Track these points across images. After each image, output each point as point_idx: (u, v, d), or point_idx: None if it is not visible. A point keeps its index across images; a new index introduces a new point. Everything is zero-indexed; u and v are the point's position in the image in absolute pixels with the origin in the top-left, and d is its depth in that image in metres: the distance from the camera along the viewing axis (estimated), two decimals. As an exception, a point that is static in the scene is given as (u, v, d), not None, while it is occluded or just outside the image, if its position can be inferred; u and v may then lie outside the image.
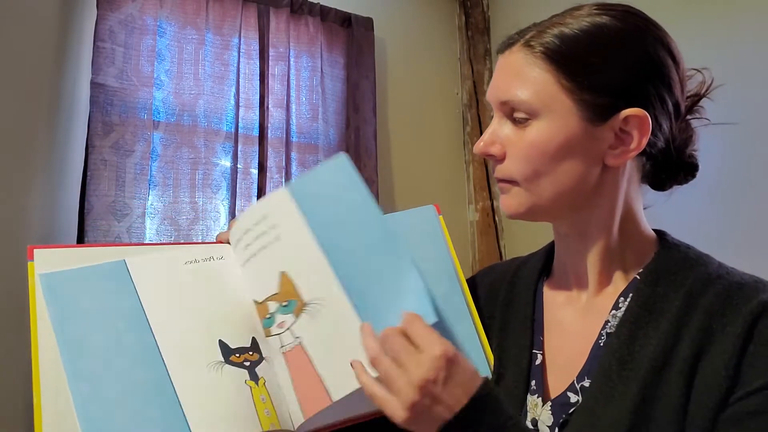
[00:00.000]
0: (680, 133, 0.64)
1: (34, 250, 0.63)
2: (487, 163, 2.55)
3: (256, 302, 0.65)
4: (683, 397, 0.53)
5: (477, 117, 2.57)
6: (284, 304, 0.63)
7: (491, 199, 2.52)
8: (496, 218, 2.52)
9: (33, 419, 0.55)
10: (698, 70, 0.65)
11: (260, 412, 0.59)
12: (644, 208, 0.67)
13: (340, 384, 0.58)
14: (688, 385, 0.54)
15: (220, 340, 0.62)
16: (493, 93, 0.63)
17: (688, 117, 0.65)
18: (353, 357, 0.58)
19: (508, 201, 0.64)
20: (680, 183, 0.67)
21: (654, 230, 0.67)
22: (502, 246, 2.50)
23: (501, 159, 0.63)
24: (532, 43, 0.61)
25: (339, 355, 0.59)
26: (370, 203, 0.64)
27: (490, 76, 2.59)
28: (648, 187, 0.68)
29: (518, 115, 0.61)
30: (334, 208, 0.65)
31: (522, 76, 0.60)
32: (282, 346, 0.62)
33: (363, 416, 0.64)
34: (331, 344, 0.60)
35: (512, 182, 0.63)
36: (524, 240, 2.41)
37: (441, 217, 0.74)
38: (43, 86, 1.67)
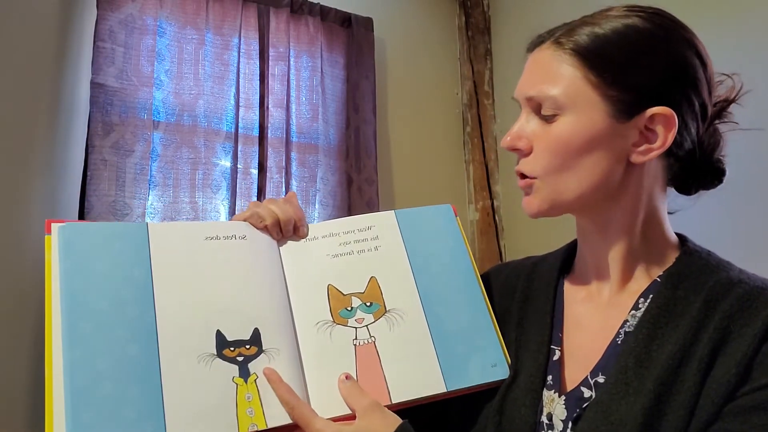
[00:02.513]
0: (708, 137, 0.65)
1: (52, 224, 0.62)
2: (487, 162, 2.55)
3: (337, 289, 0.69)
4: (696, 396, 0.54)
5: (477, 117, 2.57)
6: (368, 304, 0.69)
7: (491, 199, 2.52)
8: (496, 218, 2.52)
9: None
10: (728, 76, 0.66)
11: (241, 412, 0.59)
12: (670, 213, 0.68)
13: (402, 390, 0.64)
14: (702, 383, 0.54)
15: (217, 331, 0.62)
16: (521, 89, 0.65)
17: (717, 122, 0.66)
18: (419, 369, 0.66)
19: (531, 200, 0.65)
20: (706, 188, 0.67)
21: (676, 234, 0.68)
22: (502, 246, 2.50)
23: (527, 153, 0.64)
24: (562, 41, 0.62)
25: (406, 364, 0.66)
26: (464, 252, 0.74)
27: (491, 76, 2.60)
28: (674, 192, 0.68)
29: (545, 110, 0.62)
30: (431, 244, 0.74)
31: (550, 73, 0.62)
32: (355, 339, 0.67)
33: None
34: (401, 352, 0.66)
35: (534, 178, 0.64)
36: (524, 240, 2.41)
37: (458, 218, 0.77)
38: (43, 86, 1.67)
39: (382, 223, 0.74)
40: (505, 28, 2.59)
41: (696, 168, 0.65)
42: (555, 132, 0.61)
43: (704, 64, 0.62)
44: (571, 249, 0.75)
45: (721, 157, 0.66)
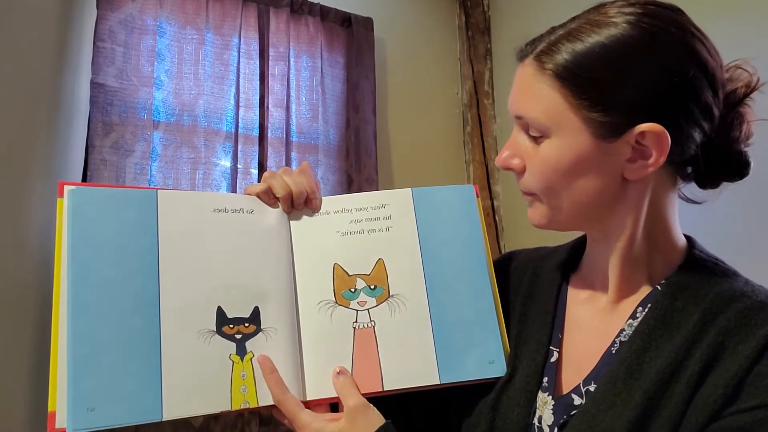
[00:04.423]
0: (724, 131, 0.60)
1: (65, 186, 0.62)
2: (487, 162, 2.55)
3: (342, 269, 0.69)
4: (682, 412, 0.53)
5: (477, 117, 2.57)
6: (372, 287, 0.68)
7: (491, 199, 2.52)
8: (496, 218, 2.52)
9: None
10: (740, 67, 0.62)
11: (235, 389, 0.61)
12: (697, 203, 0.65)
13: (396, 378, 0.64)
14: (690, 399, 0.53)
15: (219, 307, 0.63)
16: (510, 106, 0.64)
17: (734, 112, 0.61)
18: (415, 359, 0.65)
19: (532, 214, 0.65)
20: (729, 181, 0.63)
21: (685, 236, 0.65)
22: (502, 246, 2.50)
23: (521, 172, 0.63)
24: (543, 59, 0.59)
25: (403, 352, 0.66)
26: (480, 239, 0.71)
27: (491, 76, 2.60)
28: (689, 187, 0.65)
29: (532, 131, 0.61)
30: (446, 228, 0.71)
31: (532, 93, 0.60)
32: (356, 322, 0.67)
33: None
34: (399, 340, 0.66)
35: (534, 195, 0.63)
36: (524, 240, 2.41)
37: (478, 199, 0.74)
38: (43, 86, 1.67)
39: (397, 201, 0.72)
40: (505, 28, 2.59)
41: (711, 165, 0.61)
42: (542, 154, 0.60)
43: (703, 65, 0.57)
44: (579, 245, 0.73)
45: (742, 150, 0.61)
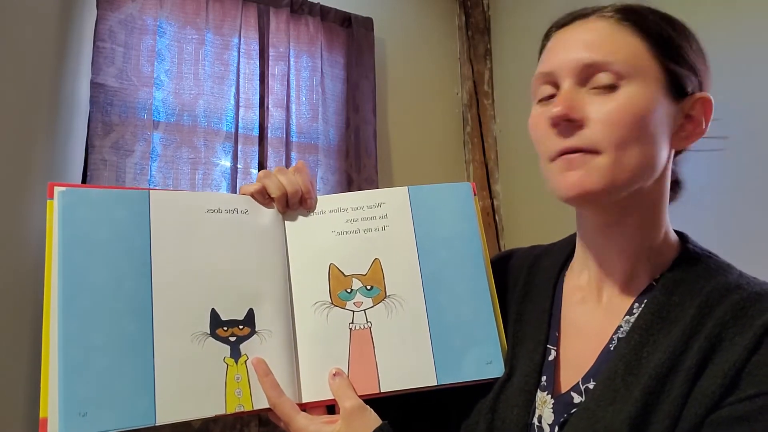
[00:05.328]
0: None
1: (55, 188, 0.61)
2: (487, 162, 2.55)
3: (338, 269, 0.68)
4: (682, 406, 0.53)
5: (477, 117, 2.57)
6: (368, 287, 0.67)
7: (491, 199, 2.52)
8: (496, 218, 2.52)
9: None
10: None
11: (230, 392, 0.60)
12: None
13: (393, 379, 0.64)
14: (688, 393, 0.53)
15: (212, 309, 0.62)
16: (571, 58, 0.60)
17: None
18: (412, 360, 0.65)
19: (586, 177, 0.58)
20: (674, 197, 0.67)
21: (676, 232, 0.66)
22: (502, 246, 2.50)
23: (581, 125, 0.59)
24: (618, 16, 0.61)
25: (399, 353, 0.65)
26: (477, 237, 0.71)
27: (491, 76, 2.60)
28: None
29: (605, 79, 0.58)
30: (442, 226, 0.70)
31: (612, 41, 0.59)
32: (352, 323, 0.66)
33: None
34: (396, 341, 0.65)
35: (594, 152, 0.58)
36: (524, 240, 2.41)
37: (476, 198, 0.74)
38: (43, 86, 1.67)
39: (393, 200, 0.71)
40: (505, 28, 2.59)
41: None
42: (619, 101, 0.57)
43: (708, 77, 0.64)
44: (573, 243, 0.72)
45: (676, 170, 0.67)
